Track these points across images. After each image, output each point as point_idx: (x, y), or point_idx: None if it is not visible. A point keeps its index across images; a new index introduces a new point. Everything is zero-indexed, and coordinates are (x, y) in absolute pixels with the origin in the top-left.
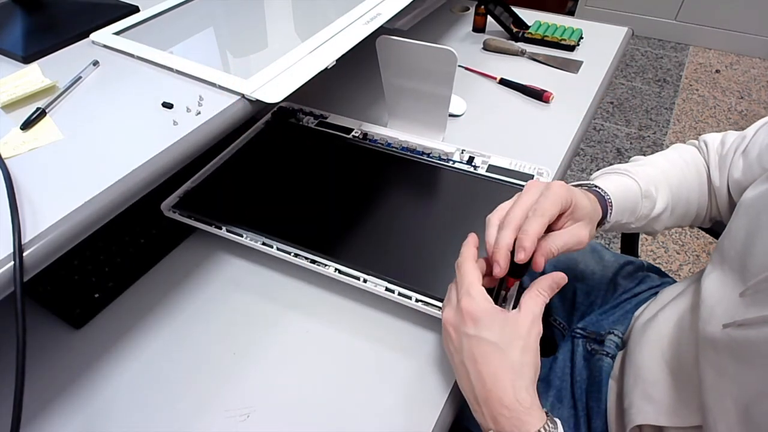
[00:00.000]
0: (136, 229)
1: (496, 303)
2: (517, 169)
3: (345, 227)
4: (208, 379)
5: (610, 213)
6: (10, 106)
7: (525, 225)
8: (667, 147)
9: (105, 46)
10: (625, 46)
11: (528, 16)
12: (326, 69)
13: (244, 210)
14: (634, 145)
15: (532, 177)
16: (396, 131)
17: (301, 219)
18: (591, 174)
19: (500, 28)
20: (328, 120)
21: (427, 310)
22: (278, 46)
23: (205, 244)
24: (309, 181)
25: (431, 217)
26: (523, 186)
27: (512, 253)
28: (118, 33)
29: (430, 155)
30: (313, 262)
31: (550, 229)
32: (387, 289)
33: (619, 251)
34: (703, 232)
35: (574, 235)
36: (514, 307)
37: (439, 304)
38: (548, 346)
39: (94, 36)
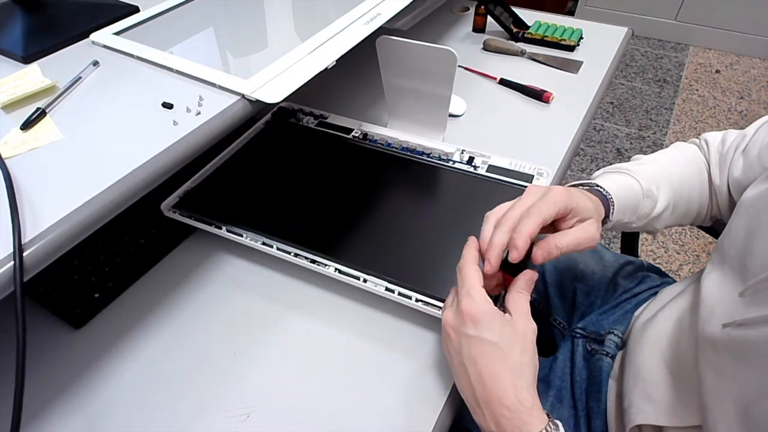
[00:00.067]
0: (136, 229)
1: (496, 302)
2: (517, 169)
3: (345, 227)
4: (208, 379)
5: (612, 212)
6: (10, 106)
7: (519, 225)
8: (668, 147)
9: (105, 47)
10: (625, 46)
11: (528, 16)
12: (326, 69)
13: (244, 210)
14: (634, 145)
15: (532, 177)
16: (396, 131)
17: (301, 219)
18: (591, 174)
19: (500, 28)
20: (328, 120)
21: (427, 310)
22: (278, 46)
23: (205, 244)
24: (309, 181)
25: (431, 217)
26: (523, 186)
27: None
28: (118, 33)
29: (430, 155)
30: (313, 262)
31: (557, 230)
32: (387, 289)
33: (619, 251)
34: (703, 232)
35: (586, 231)
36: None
37: (439, 304)
38: (548, 346)
39: (94, 36)
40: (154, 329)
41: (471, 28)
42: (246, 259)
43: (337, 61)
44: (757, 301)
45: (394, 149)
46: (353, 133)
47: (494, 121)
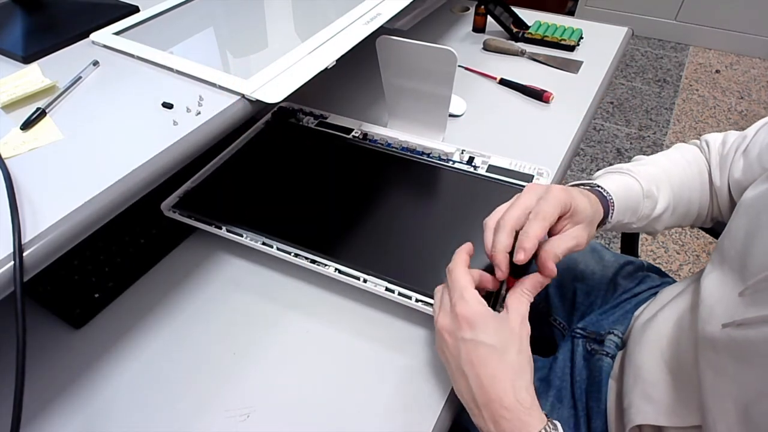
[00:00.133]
0: (136, 229)
1: (498, 303)
2: (517, 169)
3: (345, 227)
4: (208, 379)
5: (612, 213)
6: (10, 106)
7: (526, 227)
8: (667, 147)
9: (105, 46)
10: (625, 46)
11: (528, 16)
12: (326, 69)
13: (244, 210)
14: (634, 145)
15: (532, 177)
16: (396, 131)
17: (301, 219)
18: (591, 174)
19: (500, 28)
20: (328, 120)
21: (427, 309)
22: (278, 46)
23: (205, 244)
24: (309, 181)
25: (431, 217)
26: (523, 186)
27: (511, 253)
28: (118, 33)
29: (430, 155)
30: (313, 262)
31: (549, 233)
32: (387, 289)
33: (619, 251)
34: (703, 232)
35: (573, 238)
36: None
37: None
38: (548, 346)
39: (94, 36)
40: (154, 329)
41: (471, 28)
42: (246, 259)
43: (337, 61)
44: (757, 301)
45: (394, 149)
46: (353, 133)
47: (494, 121)
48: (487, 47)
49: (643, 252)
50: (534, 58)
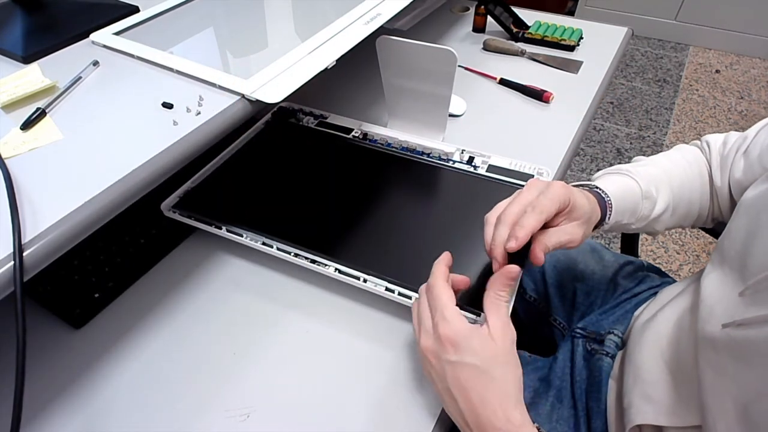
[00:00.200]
0: (136, 229)
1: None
2: (517, 169)
3: (345, 227)
4: (208, 379)
5: (610, 214)
6: (10, 106)
7: (522, 219)
8: (668, 147)
9: (105, 47)
10: (625, 46)
11: (528, 16)
12: (326, 69)
13: (244, 210)
14: (634, 145)
15: (532, 177)
16: (396, 131)
17: (301, 219)
18: (591, 174)
19: (500, 28)
20: (328, 120)
21: None
22: (278, 46)
23: (205, 244)
24: (309, 181)
25: (431, 217)
26: (523, 186)
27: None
28: (118, 33)
29: (430, 155)
30: (313, 262)
31: (546, 226)
32: (387, 289)
33: (619, 251)
34: (703, 232)
35: (567, 233)
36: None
37: None
38: (548, 346)
39: (94, 36)
40: (154, 329)
41: (471, 28)
42: (246, 259)
43: (337, 61)
44: (757, 301)
45: (394, 149)
46: (353, 133)
47: (494, 121)
48: (487, 47)
49: (643, 252)
50: (534, 58)
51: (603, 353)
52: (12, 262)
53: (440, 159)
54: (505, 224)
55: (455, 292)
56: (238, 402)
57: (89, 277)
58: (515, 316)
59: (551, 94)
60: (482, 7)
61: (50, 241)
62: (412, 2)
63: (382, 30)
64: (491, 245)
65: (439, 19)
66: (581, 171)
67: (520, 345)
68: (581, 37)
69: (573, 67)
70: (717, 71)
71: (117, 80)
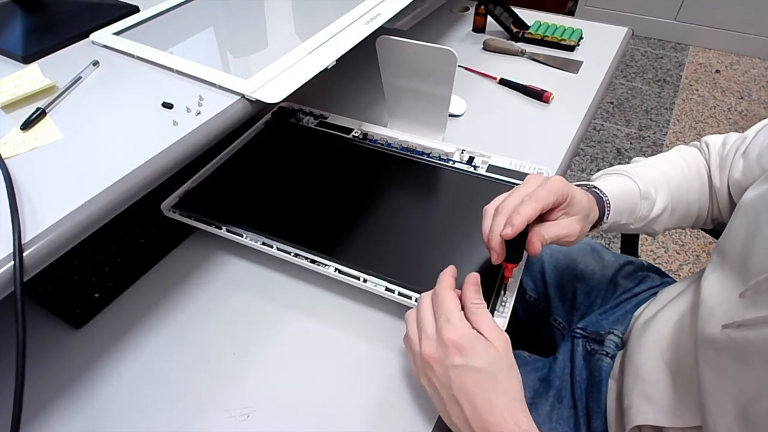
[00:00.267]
0: (136, 229)
1: (497, 293)
2: (517, 169)
3: (345, 227)
4: (208, 379)
5: (608, 213)
6: (10, 106)
7: (518, 207)
8: (668, 147)
9: (105, 46)
10: (625, 46)
11: (528, 16)
12: (326, 69)
13: (244, 210)
14: (634, 145)
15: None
16: (396, 131)
17: (301, 219)
18: (591, 174)
19: (500, 28)
20: (328, 120)
21: None
22: (278, 46)
23: (205, 244)
24: (309, 181)
25: (431, 217)
26: None
27: (509, 241)
28: (118, 33)
29: (430, 155)
30: (313, 262)
31: (543, 221)
32: (387, 289)
33: (619, 251)
34: (703, 232)
35: (565, 227)
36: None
37: None
38: (548, 346)
39: (94, 36)
40: (154, 329)
41: (471, 28)
42: (246, 259)
43: (337, 61)
44: (757, 302)
45: (394, 149)
46: (353, 133)
47: (494, 121)
48: (487, 47)
49: (643, 252)
50: (534, 58)
51: (603, 353)
52: (12, 262)
53: (440, 159)
54: (503, 214)
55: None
56: (238, 402)
57: (89, 277)
58: (515, 316)
59: (551, 94)
60: (482, 7)
61: (50, 241)
62: (412, 2)
63: (382, 30)
64: (488, 235)
65: (439, 19)
66: (581, 171)
67: (520, 345)
68: (581, 37)
69: (573, 67)
70: (717, 71)
71: (117, 80)
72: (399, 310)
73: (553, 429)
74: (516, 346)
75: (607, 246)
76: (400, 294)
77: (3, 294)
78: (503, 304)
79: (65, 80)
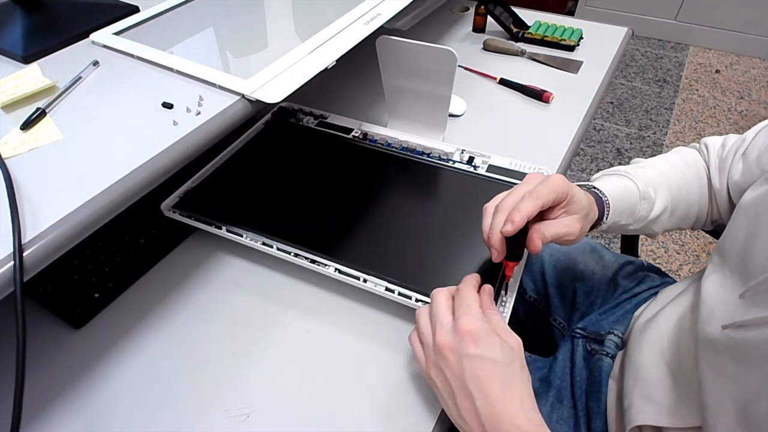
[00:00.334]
0: (136, 229)
1: (497, 293)
2: (517, 169)
3: (345, 227)
4: (208, 379)
5: (607, 214)
6: (10, 106)
7: (518, 204)
8: (668, 147)
9: (105, 46)
10: (625, 46)
11: (528, 16)
12: (326, 69)
13: (244, 210)
14: (634, 145)
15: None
16: (396, 131)
17: (301, 219)
18: (591, 174)
19: (500, 28)
20: (328, 120)
21: None
22: (278, 46)
23: (205, 244)
24: (309, 181)
25: (431, 217)
26: None
27: (509, 239)
28: (118, 33)
29: (430, 155)
30: (313, 262)
31: (543, 219)
32: (387, 289)
33: (619, 251)
34: (704, 233)
35: (565, 225)
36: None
37: None
38: (548, 346)
39: (94, 36)
40: (154, 329)
41: (471, 28)
42: (246, 259)
43: (337, 61)
44: (758, 303)
45: (394, 149)
46: (353, 133)
47: (494, 121)
48: (487, 47)
49: (643, 252)
50: (534, 58)
51: (603, 353)
52: (12, 262)
53: (440, 159)
54: (503, 212)
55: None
56: (238, 402)
57: (89, 277)
58: (515, 316)
59: (551, 94)
60: (482, 7)
61: (50, 241)
62: (412, 2)
63: (382, 30)
64: (488, 233)
65: (439, 19)
66: (581, 171)
67: None
68: (581, 37)
69: (573, 67)
70: (717, 71)
71: (117, 80)
72: (399, 310)
73: (553, 429)
74: None
75: (607, 246)
76: (400, 294)
77: (3, 294)
78: (503, 304)
79: (65, 80)
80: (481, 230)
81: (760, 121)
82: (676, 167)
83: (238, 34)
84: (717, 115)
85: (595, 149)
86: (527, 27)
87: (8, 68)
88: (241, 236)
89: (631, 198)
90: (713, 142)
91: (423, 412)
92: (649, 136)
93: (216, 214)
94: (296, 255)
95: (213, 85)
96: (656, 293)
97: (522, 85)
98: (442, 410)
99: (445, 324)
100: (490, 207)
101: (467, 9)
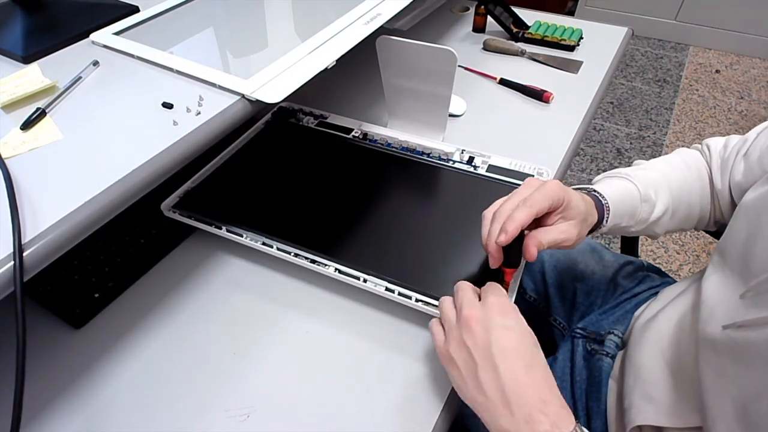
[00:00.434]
0: (136, 229)
1: None
2: (517, 169)
3: (345, 227)
4: (208, 379)
5: (607, 217)
6: (10, 106)
7: (513, 213)
8: (668, 147)
9: (105, 46)
10: (625, 46)
11: (528, 16)
12: (326, 69)
13: (244, 210)
14: (634, 145)
15: (531, 177)
16: (396, 131)
17: (301, 219)
18: (591, 174)
19: (500, 28)
20: (328, 120)
21: (427, 310)
22: (278, 46)
23: (205, 244)
24: (309, 181)
25: (431, 217)
26: None
27: (506, 246)
28: (118, 33)
29: (430, 155)
30: (313, 262)
31: (540, 225)
32: (387, 289)
33: (619, 251)
34: (703, 232)
35: (562, 232)
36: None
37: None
38: (548, 346)
39: (94, 36)
40: (154, 329)
41: (471, 28)
42: (246, 259)
43: (337, 61)
44: (758, 303)
45: (394, 149)
46: (353, 133)
47: (494, 121)
48: (487, 47)
49: (643, 252)
50: (534, 58)
51: (603, 353)
52: (12, 262)
53: (440, 159)
54: (498, 221)
55: None
56: (238, 402)
57: (89, 277)
58: None
59: (551, 94)
60: (482, 7)
61: (50, 241)
62: (412, 2)
63: (382, 30)
64: (486, 240)
65: (439, 19)
66: (581, 171)
67: None
68: (581, 37)
69: (573, 67)
70: (717, 71)
71: (117, 80)
72: (399, 310)
73: None
74: None
75: (607, 246)
76: (400, 294)
77: (3, 294)
78: None
79: (65, 80)
80: (480, 232)
81: (760, 121)
82: (677, 169)
83: (238, 34)
84: (717, 115)
85: (595, 149)
86: (527, 27)
87: (8, 68)
88: (241, 236)
89: (632, 200)
90: (715, 143)
91: (423, 413)
92: (649, 136)
93: (216, 214)
94: (296, 255)
95: (213, 85)
96: (656, 293)
97: (522, 85)
98: (443, 410)
99: (472, 301)
100: (488, 214)
101: (467, 9)
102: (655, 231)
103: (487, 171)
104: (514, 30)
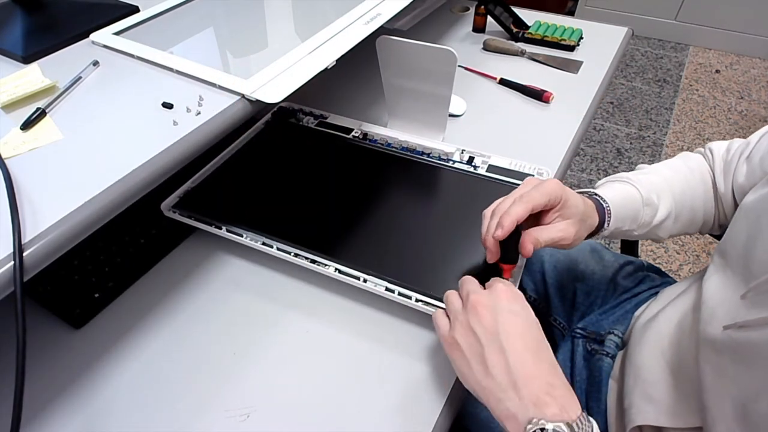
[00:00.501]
0: (136, 229)
1: None
2: (517, 169)
3: (345, 227)
4: (208, 379)
5: (609, 220)
6: (10, 106)
7: (509, 208)
8: (667, 147)
9: (105, 46)
10: (625, 46)
11: (528, 16)
12: (326, 69)
13: (244, 210)
14: (634, 145)
15: (531, 176)
16: (396, 131)
17: (301, 219)
18: (591, 174)
19: (500, 28)
20: (328, 120)
21: (427, 309)
22: (278, 46)
23: (205, 244)
24: (309, 181)
25: (431, 217)
26: None
27: (503, 242)
28: (118, 33)
29: (430, 155)
30: (313, 262)
31: (539, 224)
32: (387, 289)
33: (619, 251)
34: None
35: (560, 230)
36: None
37: (440, 304)
38: None
39: (94, 36)
40: (154, 329)
41: (471, 28)
42: (246, 259)
43: (337, 61)
44: (759, 303)
45: (394, 149)
46: (353, 133)
47: (494, 121)
48: (487, 47)
49: (643, 252)
50: (534, 58)
51: (603, 353)
52: (12, 262)
53: (440, 159)
54: (495, 217)
55: None
56: (238, 402)
57: (89, 277)
58: None
59: (551, 94)
60: (482, 7)
61: (50, 241)
62: (412, 2)
63: (382, 30)
64: (484, 236)
65: (439, 19)
66: (581, 171)
67: None
68: (581, 37)
69: (573, 67)
70: (717, 71)
71: (117, 80)
72: (399, 310)
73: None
74: None
75: (607, 246)
76: (400, 294)
77: (3, 294)
78: None
79: (65, 80)
80: (480, 231)
81: (760, 120)
82: (679, 172)
83: (238, 34)
84: (717, 115)
85: (595, 149)
86: (527, 27)
87: (8, 68)
88: (241, 236)
89: (634, 204)
90: (718, 146)
91: (423, 413)
92: (649, 136)
93: (216, 214)
94: (296, 255)
95: (213, 85)
96: (656, 293)
97: (522, 85)
98: (443, 410)
99: (479, 289)
100: (487, 212)
101: (467, 9)
102: (658, 235)
103: (487, 171)
104: (514, 30)
